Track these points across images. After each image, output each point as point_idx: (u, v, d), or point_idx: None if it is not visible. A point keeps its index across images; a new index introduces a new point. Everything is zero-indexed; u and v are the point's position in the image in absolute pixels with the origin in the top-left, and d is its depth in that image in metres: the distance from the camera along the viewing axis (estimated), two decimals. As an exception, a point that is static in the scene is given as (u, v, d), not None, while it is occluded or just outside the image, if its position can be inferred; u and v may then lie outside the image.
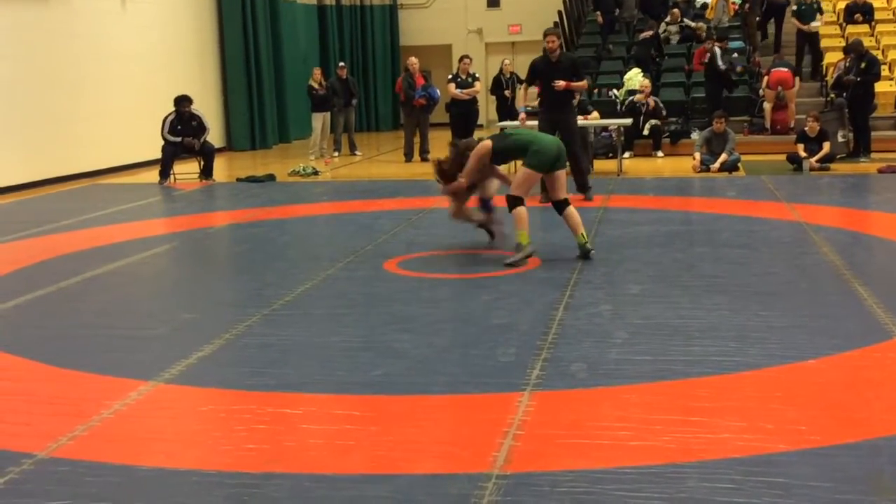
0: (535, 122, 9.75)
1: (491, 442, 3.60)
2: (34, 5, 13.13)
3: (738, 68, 15.02)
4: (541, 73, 9.64)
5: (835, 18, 17.62)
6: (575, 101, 10.21)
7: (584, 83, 10.13)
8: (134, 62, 15.15)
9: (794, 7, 16.15)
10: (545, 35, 9.68)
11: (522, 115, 10.01)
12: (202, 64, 17.41)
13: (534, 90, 10.22)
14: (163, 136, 12.71)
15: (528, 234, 6.78)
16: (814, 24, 15.46)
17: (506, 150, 7.06)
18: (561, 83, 9.42)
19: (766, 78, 14.66)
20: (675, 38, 17.14)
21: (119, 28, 14.94)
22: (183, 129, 12.70)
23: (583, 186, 9.86)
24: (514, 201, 6.83)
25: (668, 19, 17.25)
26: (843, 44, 15.24)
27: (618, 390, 4.17)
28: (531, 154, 6.85)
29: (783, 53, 15.56)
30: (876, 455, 3.43)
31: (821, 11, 15.81)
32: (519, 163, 7.28)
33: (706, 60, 14.75)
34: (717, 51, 14.48)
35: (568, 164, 9.56)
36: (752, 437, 3.60)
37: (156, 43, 15.86)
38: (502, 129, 7.23)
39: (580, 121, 12.77)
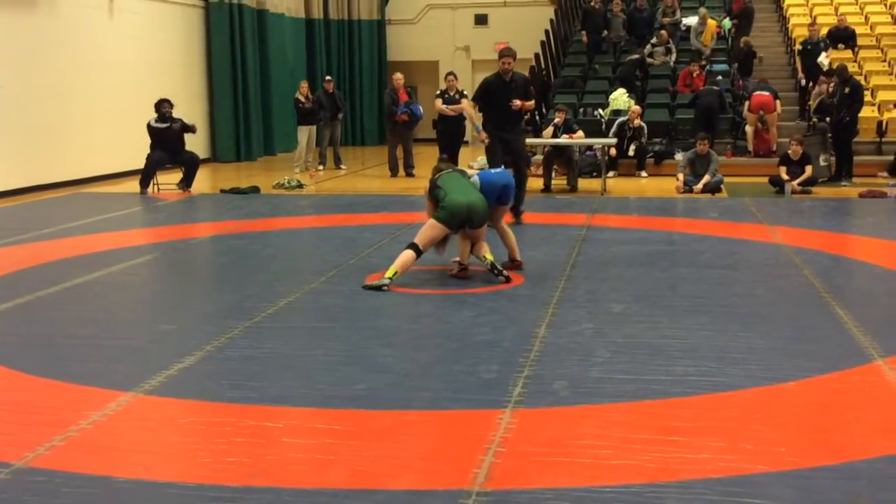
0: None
1: (472, 458, 3.60)
2: (22, 13, 13.08)
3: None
4: (494, 92, 9.57)
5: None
6: (522, 122, 10.20)
7: (533, 103, 10.12)
8: (120, 72, 15.11)
9: (799, 47, 16.22)
10: (501, 55, 9.61)
11: (483, 135, 9.66)
12: (189, 74, 17.38)
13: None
14: (151, 125, 12.57)
15: (397, 273, 6.62)
16: (821, 60, 15.48)
17: (433, 198, 6.97)
18: (518, 102, 9.40)
19: (747, 102, 14.79)
20: (660, 59, 17.27)
21: (106, 37, 14.90)
22: (165, 132, 12.63)
23: (515, 210, 9.53)
24: (410, 245, 6.74)
25: (654, 40, 17.39)
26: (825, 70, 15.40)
27: (599, 409, 4.17)
28: (440, 208, 6.80)
29: (766, 77, 15.70)
30: (854, 478, 3.45)
31: (827, 48, 15.80)
32: None
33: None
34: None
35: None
36: (732, 457, 3.61)
37: (142, 53, 15.83)
38: (438, 171, 7.11)
39: (565, 139, 12.90)
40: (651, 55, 17.28)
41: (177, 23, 17.04)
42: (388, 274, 6.61)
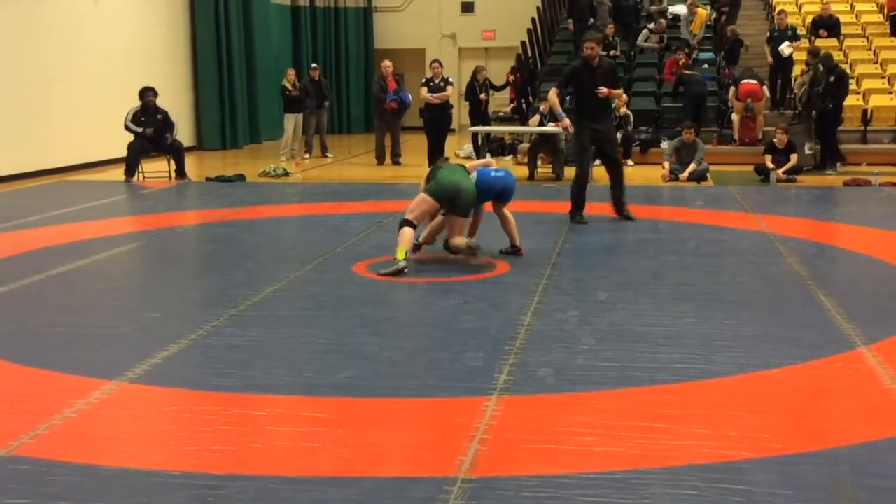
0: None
1: (457, 446, 3.61)
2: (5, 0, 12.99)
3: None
4: (581, 79, 8.89)
5: (803, 32, 17.83)
6: (612, 111, 9.65)
7: (621, 90, 9.60)
8: (105, 58, 15.01)
9: (767, 34, 16.29)
10: (586, 40, 9.10)
11: (566, 122, 9.31)
12: (174, 61, 17.28)
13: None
14: (126, 125, 12.55)
15: (406, 251, 6.69)
16: (782, 48, 15.45)
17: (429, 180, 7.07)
18: (604, 90, 8.80)
19: (733, 90, 14.81)
20: (655, 47, 17.32)
21: (90, 23, 14.79)
22: (146, 123, 12.60)
23: (619, 203, 9.33)
24: (404, 222, 6.80)
25: (652, 25, 17.41)
26: (807, 58, 15.43)
27: (584, 396, 4.19)
28: (432, 181, 6.89)
29: (752, 66, 15.72)
30: (837, 464, 3.48)
31: (795, 38, 15.76)
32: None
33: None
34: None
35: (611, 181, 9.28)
36: (716, 444, 3.63)
37: (127, 39, 15.73)
38: (434, 171, 7.16)
39: (551, 127, 12.90)
40: (646, 40, 17.33)
41: (161, 9, 16.92)
42: (400, 256, 6.64)
